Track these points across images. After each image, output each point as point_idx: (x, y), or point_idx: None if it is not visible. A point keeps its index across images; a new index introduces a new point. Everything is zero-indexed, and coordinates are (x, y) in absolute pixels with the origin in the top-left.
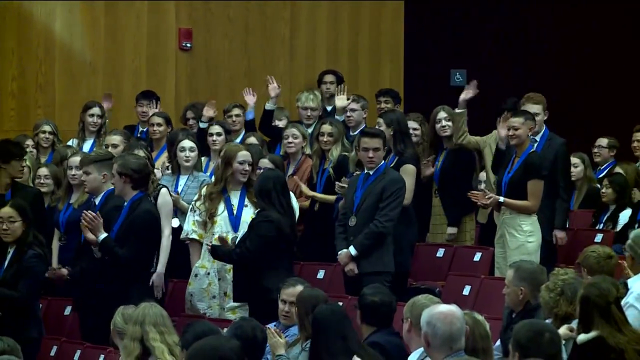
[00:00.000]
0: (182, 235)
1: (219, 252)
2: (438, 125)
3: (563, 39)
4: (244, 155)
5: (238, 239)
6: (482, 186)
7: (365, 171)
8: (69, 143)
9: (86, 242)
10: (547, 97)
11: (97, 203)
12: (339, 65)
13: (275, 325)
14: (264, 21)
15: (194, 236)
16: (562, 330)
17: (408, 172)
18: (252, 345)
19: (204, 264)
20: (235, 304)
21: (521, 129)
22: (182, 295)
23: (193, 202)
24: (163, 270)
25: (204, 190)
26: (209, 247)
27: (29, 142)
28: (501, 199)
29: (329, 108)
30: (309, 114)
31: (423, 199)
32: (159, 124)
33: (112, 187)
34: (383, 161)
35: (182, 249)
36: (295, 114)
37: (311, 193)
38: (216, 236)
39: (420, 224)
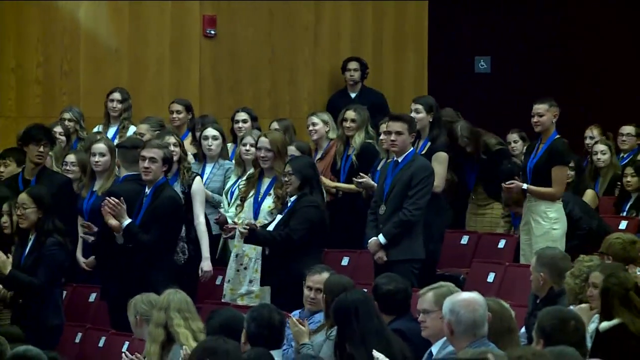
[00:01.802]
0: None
1: (260, 235)
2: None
3: (589, 24)
4: (260, 141)
5: (275, 223)
6: None
7: (395, 158)
8: (94, 130)
9: (105, 229)
10: (571, 83)
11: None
12: (363, 52)
13: (299, 313)
14: (288, 8)
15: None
16: (583, 311)
17: (440, 160)
18: (270, 329)
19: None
20: (243, 291)
21: (545, 116)
22: (208, 282)
23: (239, 184)
24: (209, 255)
25: (248, 173)
26: (245, 232)
27: (57, 129)
28: (525, 185)
29: (352, 95)
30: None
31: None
32: (178, 112)
33: (127, 173)
34: (412, 148)
35: (207, 235)
36: (321, 103)
37: (334, 184)
38: (243, 221)
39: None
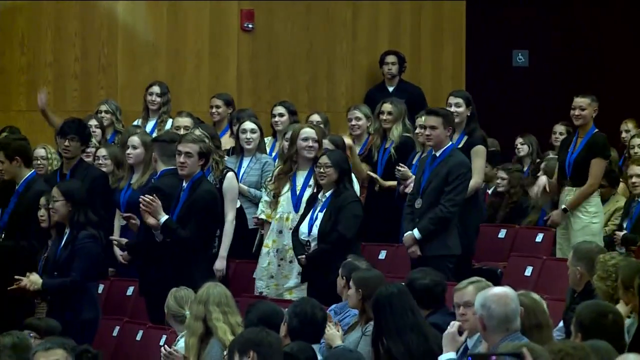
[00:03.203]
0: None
1: (315, 257)
2: None
3: (624, 18)
4: (306, 132)
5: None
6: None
7: (433, 152)
8: (134, 123)
9: (145, 226)
10: (610, 77)
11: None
12: (401, 46)
13: (334, 307)
14: (326, 2)
15: (262, 216)
16: (620, 306)
17: (479, 153)
18: (312, 324)
19: (267, 243)
20: (292, 284)
21: (587, 110)
22: (244, 276)
23: (265, 182)
24: (225, 254)
25: (276, 171)
26: (303, 260)
27: (92, 122)
28: (563, 206)
29: (390, 89)
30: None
31: None
32: (217, 106)
33: (165, 167)
34: (450, 142)
35: (244, 229)
36: (359, 97)
37: (375, 175)
38: (281, 216)
39: None
